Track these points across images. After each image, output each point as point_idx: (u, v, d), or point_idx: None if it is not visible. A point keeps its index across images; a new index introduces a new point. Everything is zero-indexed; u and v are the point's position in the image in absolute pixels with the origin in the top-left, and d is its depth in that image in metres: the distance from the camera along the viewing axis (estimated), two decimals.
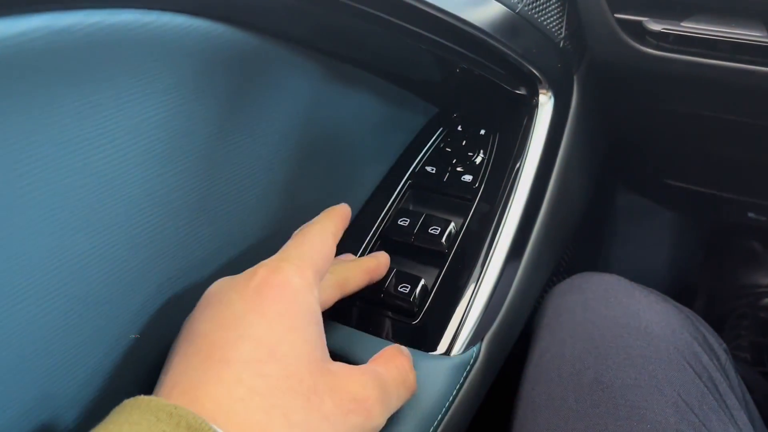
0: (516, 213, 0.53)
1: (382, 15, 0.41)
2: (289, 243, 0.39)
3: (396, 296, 0.48)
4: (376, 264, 0.47)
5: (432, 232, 0.51)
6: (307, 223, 0.42)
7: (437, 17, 0.42)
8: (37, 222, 0.30)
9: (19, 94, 0.27)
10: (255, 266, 0.36)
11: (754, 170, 0.73)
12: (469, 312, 0.49)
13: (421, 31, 0.44)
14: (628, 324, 0.49)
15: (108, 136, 0.32)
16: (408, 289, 0.48)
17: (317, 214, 0.50)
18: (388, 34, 0.44)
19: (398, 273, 0.49)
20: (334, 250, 0.41)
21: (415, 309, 0.48)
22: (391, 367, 0.39)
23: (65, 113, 0.30)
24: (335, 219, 0.43)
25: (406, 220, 0.53)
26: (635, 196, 0.96)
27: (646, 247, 1.01)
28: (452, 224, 0.52)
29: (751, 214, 0.82)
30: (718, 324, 1.02)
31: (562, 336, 0.51)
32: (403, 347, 0.43)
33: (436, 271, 0.50)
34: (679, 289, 1.04)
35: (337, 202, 0.51)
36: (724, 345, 0.55)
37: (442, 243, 0.51)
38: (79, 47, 0.29)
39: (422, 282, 0.49)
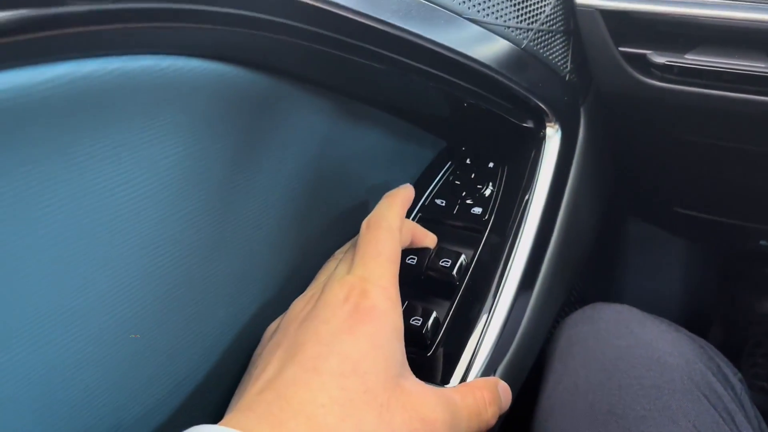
0: (526, 245, 0.54)
1: (391, 55, 0.42)
2: (365, 250, 0.42)
3: (409, 328, 0.49)
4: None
5: (443, 264, 0.52)
6: (374, 218, 0.44)
7: (445, 55, 0.43)
8: (63, 260, 0.31)
9: (43, 139, 0.28)
10: (340, 278, 0.40)
11: (764, 197, 0.73)
12: (481, 344, 0.49)
13: (429, 69, 0.45)
14: (642, 354, 0.49)
15: (124, 177, 0.33)
16: (420, 322, 0.49)
17: (329, 246, 0.51)
18: (398, 72, 0.45)
19: (410, 305, 0.50)
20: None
21: (428, 341, 0.49)
22: (468, 395, 0.41)
23: (84, 156, 0.31)
24: (399, 210, 0.45)
25: (417, 253, 0.53)
26: (646, 224, 0.96)
27: (659, 276, 1.01)
28: (463, 256, 0.52)
29: (763, 242, 0.81)
30: (733, 352, 1.01)
31: (575, 367, 0.51)
32: (498, 381, 0.44)
33: (448, 303, 0.51)
34: (694, 318, 1.03)
35: (348, 236, 0.52)
36: (740, 375, 0.54)
37: (453, 275, 0.51)
38: (100, 93, 0.30)
39: (434, 314, 0.49)
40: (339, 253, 0.49)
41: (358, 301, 0.38)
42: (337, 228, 0.53)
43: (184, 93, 0.35)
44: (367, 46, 0.40)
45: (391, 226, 0.43)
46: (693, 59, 0.55)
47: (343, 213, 0.53)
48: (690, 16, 0.53)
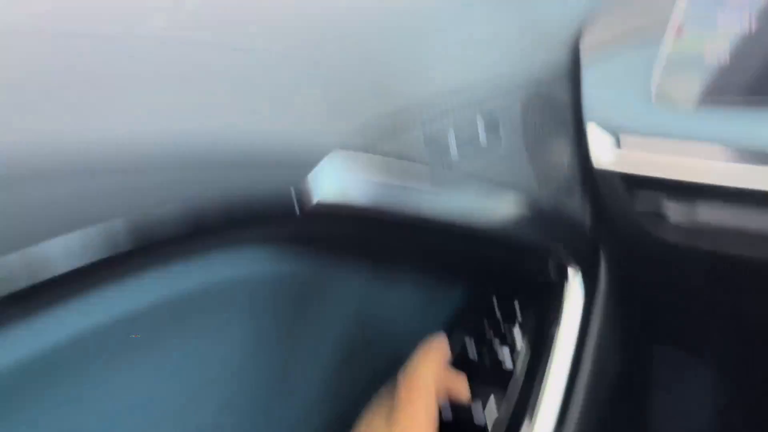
0: (554, 393, 0.56)
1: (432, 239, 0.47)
2: (403, 413, 0.43)
3: None
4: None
5: (473, 404, 0.55)
6: (412, 377, 0.46)
7: (476, 231, 0.49)
8: None
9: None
10: None
11: None
12: None
13: (460, 245, 0.50)
14: None
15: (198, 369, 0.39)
16: None
17: (369, 395, 0.54)
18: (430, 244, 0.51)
19: None
20: None
21: None
22: None
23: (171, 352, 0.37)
24: (435, 367, 0.47)
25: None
26: (676, 355, 0.97)
27: (691, 407, 1.00)
28: (492, 397, 0.55)
29: None
30: None
31: None
32: None
33: None
34: None
35: (377, 390, 0.55)
36: None
37: (482, 414, 0.54)
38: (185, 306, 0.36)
39: None
40: (376, 406, 0.52)
41: None
42: (371, 383, 0.56)
43: (243, 300, 0.41)
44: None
45: (428, 387, 0.45)
46: (704, 217, 0.59)
47: (377, 367, 0.56)
48: (698, 183, 0.56)
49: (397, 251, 0.53)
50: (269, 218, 0.39)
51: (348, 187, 0.39)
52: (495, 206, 0.50)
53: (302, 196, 0.37)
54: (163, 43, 0.33)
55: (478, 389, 0.56)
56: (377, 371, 0.55)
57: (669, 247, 0.61)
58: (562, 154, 0.60)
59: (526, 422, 0.54)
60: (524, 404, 0.55)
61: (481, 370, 0.59)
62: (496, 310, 0.63)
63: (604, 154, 0.60)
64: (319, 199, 0.38)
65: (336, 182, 0.39)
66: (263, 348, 0.44)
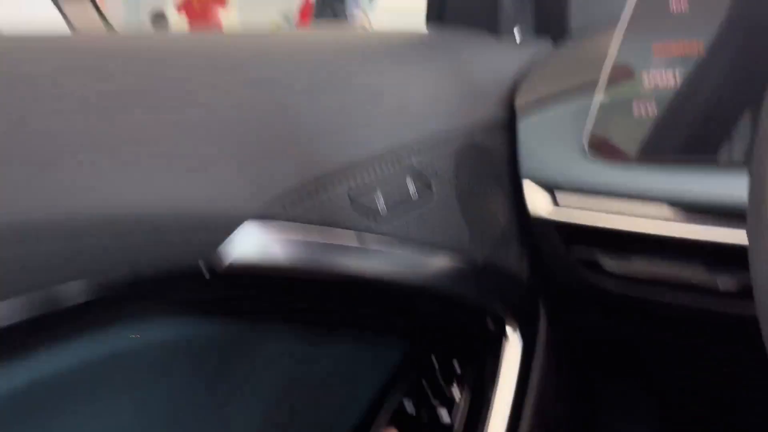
0: None
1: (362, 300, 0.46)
2: None
3: None
4: None
5: None
6: None
7: (408, 289, 0.47)
8: None
9: None
10: None
11: (725, 396, 0.75)
12: None
13: (392, 303, 0.49)
14: None
15: None
16: None
17: None
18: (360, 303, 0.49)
19: None
20: None
21: None
22: None
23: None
24: None
25: None
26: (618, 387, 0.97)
27: None
28: None
29: None
30: None
31: None
32: None
33: None
34: None
35: None
36: None
37: None
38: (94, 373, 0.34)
39: None
40: None
41: None
42: None
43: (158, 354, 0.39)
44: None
45: None
46: (639, 267, 0.59)
47: (316, 424, 0.55)
48: (634, 232, 0.57)
49: (327, 311, 0.52)
50: (180, 284, 0.37)
51: (264, 249, 0.38)
52: (426, 263, 0.49)
53: (214, 260, 0.36)
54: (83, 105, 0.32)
55: None
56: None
57: (605, 295, 0.61)
58: (497, 207, 0.60)
59: None
60: None
61: (419, 429, 0.57)
62: (435, 367, 0.62)
63: (539, 206, 0.60)
64: (231, 262, 0.36)
65: (251, 245, 0.37)
66: (181, 412, 0.42)
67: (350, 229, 0.43)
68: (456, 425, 0.56)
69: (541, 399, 0.63)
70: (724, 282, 0.55)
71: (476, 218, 0.55)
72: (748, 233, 0.35)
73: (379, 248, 0.44)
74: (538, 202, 0.60)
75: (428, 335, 0.63)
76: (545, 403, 0.64)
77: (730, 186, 0.51)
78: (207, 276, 0.35)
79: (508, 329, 0.61)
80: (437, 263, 0.50)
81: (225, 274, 0.36)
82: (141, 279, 0.34)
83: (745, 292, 0.55)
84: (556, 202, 0.60)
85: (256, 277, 0.38)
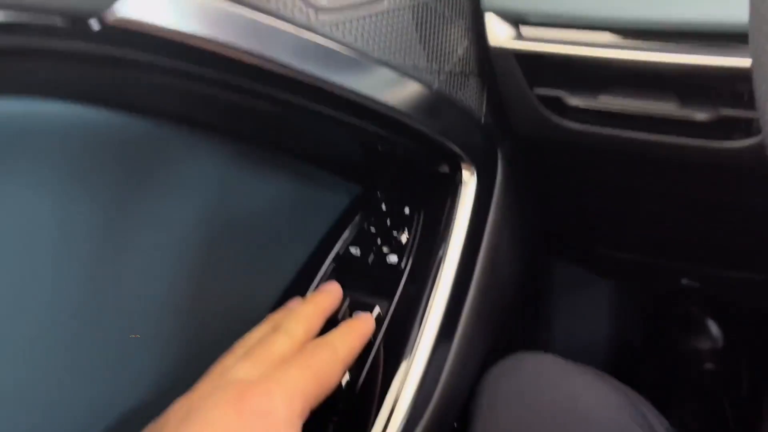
0: (443, 294, 0.51)
1: (289, 98, 0.39)
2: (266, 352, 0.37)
3: None
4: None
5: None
6: (301, 313, 0.42)
7: (349, 99, 0.41)
8: None
9: None
10: (240, 368, 0.36)
11: (683, 237, 0.73)
12: (397, 404, 0.45)
13: (333, 114, 0.42)
14: (566, 410, 0.46)
15: None
16: None
17: (237, 302, 0.47)
18: (300, 116, 0.42)
19: None
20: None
21: (340, 405, 0.45)
22: None
23: None
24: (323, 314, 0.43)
25: None
26: (572, 266, 0.96)
27: (587, 318, 1.00)
28: (378, 309, 0.49)
29: (684, 281, 0.82)
30: (663, 392, 1.01)
31: (498, 426, 0.48)
32: None
33: (361, 361, 0.47)
34: (622, 358, 1.03)
35: (257, 288, 0.48)
36: (666, 423, 0.53)
37: None
38: None
39: (347, 377, 0.45)
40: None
41: (255, 399, 0.33)
42: (242, 282, 0.49)
43: (43, 142, 0.31)
44: (262, 88, 0.37)
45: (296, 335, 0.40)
46: (606, 102, 0.54)
47: (249, 265, 0.49)
48: (601, 59, 0.52)
49: (269, 131, 0.45)
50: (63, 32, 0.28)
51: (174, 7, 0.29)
52: (372, 72, 0.42)
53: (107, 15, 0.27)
54: None
55: (363, 302, 0.50)
56: (243, 278, 0.47)
57: (570, 135, 0.56)
58: (455, 35, 0.53)
59: (415, 326, 0.48)
60: (412, 313, 0.49)
61: (367, 274, 0.52)
62: (384, 213, 0.56)
63: (501, 37, 0.54)
64: (125, 17, 0.27)
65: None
66: (65, 227, 0.34)
67: (284, 20, 0.35)
68: (407, 273, 0.52)
69: (494, 249, 0.59)
70: (701, 113, 0.51)
71: (432, 39, 0.48)
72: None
73: (317, 44, 0.37)
74: (499, 32, 0.54)
75: (379, 176, 0.57)
76: (498, 255, 0.60)
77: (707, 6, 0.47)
78: (96, 28, 0.26)
79: (464, 173, 0.55)
80: (384, 76, 0.43)
81: (119, 31, 0.27)
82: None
83: (721, 125, 0.51)
84: (519, 35, 0.55)
85: (163, 47, 0.30)
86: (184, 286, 0.43)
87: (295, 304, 0.45)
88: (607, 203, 0.72)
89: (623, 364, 1.02)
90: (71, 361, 0.36)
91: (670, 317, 1.04)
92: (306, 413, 0.35)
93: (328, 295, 0.46)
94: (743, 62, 0.48)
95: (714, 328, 1.01)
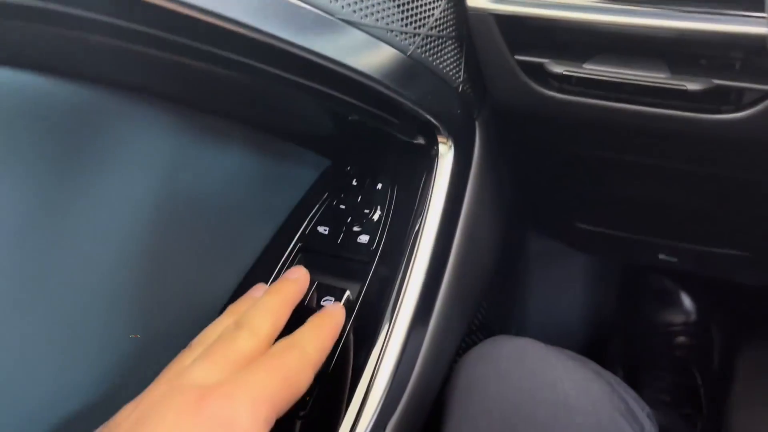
0: (419, 274, 0.48)
1: (249, 62, 0.35)
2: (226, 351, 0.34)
3: None
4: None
5: (325, 303, 0.45)
6: (266, 305, 0.38)
7: (316, 63, 0.36)
8: None
9: None
10: (199, 369, 0.32)
11: (663, 212, 0.71)
12: (368, 397, 0.42)
13: (298, 80, 0.38)
14: (546, 398, 0.44)
15: None
16: None
17: (193, 288, 0.43)
18: (261, 82, 0.38)
19: None
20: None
21: (307, 398, 0.41)
22: None
23: None
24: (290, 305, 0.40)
25: None
26: (547, 240, 0.94)
27: (562, 292, 0.99)
28: (348, 293, 0.46)
29: (662, 256, 0.80)
30: (636, 364, 1.00)
31: (475, 414, 0.45)
32: None
33: (331, 351, 0.44)
34: (595, 331, 1.02)
35: (216, 273, 0.44)
36: (648, 409, 0.51)
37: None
38: None
39: None
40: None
41: (216, 404, 0.30)
42: (202, 264, 0.45)
43: None
44: (216, 50, 0.33)
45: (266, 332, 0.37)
46: (592, 69, 0.51)
47: (208, 245, 0.45)
48: (588, 22, 0.49)
49: (227, 99, 0.40)
50: None
51: None
52: (347, 40, 0.38)
53: None
54: None
55: (332, 286, 0.46)
56: (201, 257, 0.43)
57: (551, 104, 0.53)
58: (433, 2, 0.49)
59: (388, 310, 0.45)
60: (385, 297, 0.46)
61: (336, 255, 0.49)
62: (355, 189, 0.52)
63: None
64: None
65: None
66: (12, 185, 0.31)
67: None
68: (377, 248, 0.48)
69: (472, 227, 0.55)
70: (693, 83, 0.48)
71: (409, 8, 0.44)
72: None
73: (273, 1, 0.33)
74: None
75: (349, 152, 0.53)
76: (475, 232, 0.57)
77: None
78: None
79: (441, 146, 0.52)
80: (354, 38, 0.39)
81: None
82: None
83: (712, 96, 0.48)
84: None
85: (104, 3, 0.26)
86: (133, 272, 0.39)
87: (258, 293, 0.41)
88: (587, 177, 0.69)
89: (596, 338, 1.01)
90: (1, 360, 0.32)
91: (643, 290, 1.03)
92: (272, 421, 0.32)
93: (295, 283, 0.42)
94: (737, 28, 0.45)
95: (687, 301, 1.00)
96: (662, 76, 0.49)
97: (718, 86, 0.47)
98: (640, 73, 0.49)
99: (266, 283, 0.47)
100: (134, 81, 0.35)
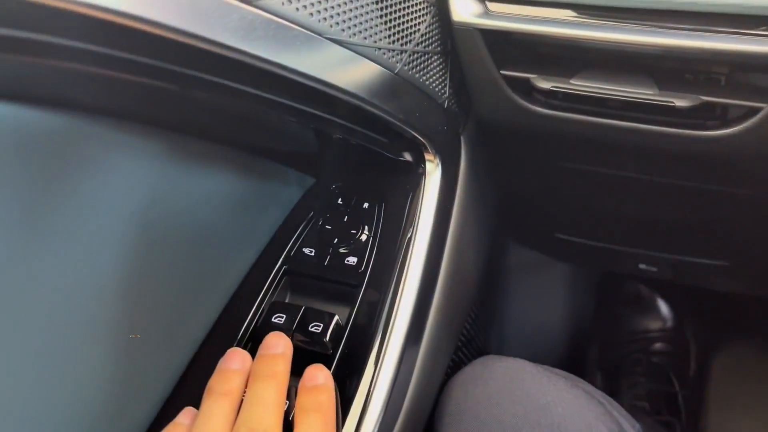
0: (409, 297, 0.47)
1: (233, 85, 0.33)
2: None
3: None
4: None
5: (313, 329, 0.43)
6: (267, 401, 0.36)
7: (303, 84, 0.35)
8: None
9: None
10: None
11: (644, 224, 0.71)
12: (362, 422, 0.41)
13: (284, 101, 0.37)
14: (540, 422, 0.43)
15: None
16: (288, 405, 0.40)
17: (176, 315, 0.41)
18: (246, 103, 0.36)
19: None
20: None
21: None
22: None
23: None
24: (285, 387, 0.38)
25: (282, 316, 0.44)
26: (527, 250, 0.93)
27: (541, 300, 0.99)
28: (336, 318, 0.44)
29: (642, 266, 0.80)
30: (614, 371, 1.00)
31: None
32: None
33: None
34: (574, 338, 1.02)
35: (199, 298, 0.42)
36: (637, 426, 0.51)
37: (325, 343, 0.43)
38: None
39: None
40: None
41: None
42: (184, 290, 0.43)
43: None
44: (197, 74, 0.31)
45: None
46: (579, 84, 0.50)
47: (191, 270, 0.43)
48: (574, 37, 0.48)
49: (209, 122, 0.39)
50: None
51: None
52: (333, 59, 0.37)
53: None
54: None
55: (320, 311, 0.45)
56: (183, 280, 0.42)
57: (537, 120, 0.52)
58: (419, 15, 0.48)
59: (378, 335, 0.44)
60: (375, 321, 0.45)
61: (323, 278, 0.47)
62: (341, 209, 0.51)
63: (466, 12, 0.50)
64: None
65: None
66: None
67: None
68: (365, 270, 0.47)
69: (460, 244, 0.55)
70: (681, 99, 0.48)
71: (394, 14, 0.43)
72: None
73: (263, 20, 0.31)
74: (464, 7, 0.50)
75: (335, 169, 0.52)
76: (463, 248, 0.56)
77: None
78: None
79: (428, 163, 0.51)
80: (340, 57, 0.38)
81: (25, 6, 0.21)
82: None
83: (699, 112, 0.48)
84: (486, 11, 0.50)
85: (78, 27, 0.24)
86: (113, 301, 0.37)
87: (186, 419, 0.37)
88: (569, 189, 0.69)
89: (576, 345, 1.02)
90: None
91: (620, 297, 1.03)
92: None
93: (283, 359, 0.39)
94: (721, 45, 0.45)
95: (663, 307, 1.01)
96: (650, 92, 0.48)
97: (705, 103, 0.47)
98: (627, 89, 0.49)
99: (251, 307, 0.46)
100: (112, 106, 0.33)
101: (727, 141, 0.49)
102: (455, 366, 0.59)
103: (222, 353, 0.43)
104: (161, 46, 0.28)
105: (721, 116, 0.49)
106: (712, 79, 0.50)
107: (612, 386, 0.99)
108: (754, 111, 0.46)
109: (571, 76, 0.51)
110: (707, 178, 0.58)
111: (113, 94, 0.32)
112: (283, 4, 0.33)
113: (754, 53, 0.43)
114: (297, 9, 0.34)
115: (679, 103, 0.47)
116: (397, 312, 0.45)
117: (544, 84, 0.51)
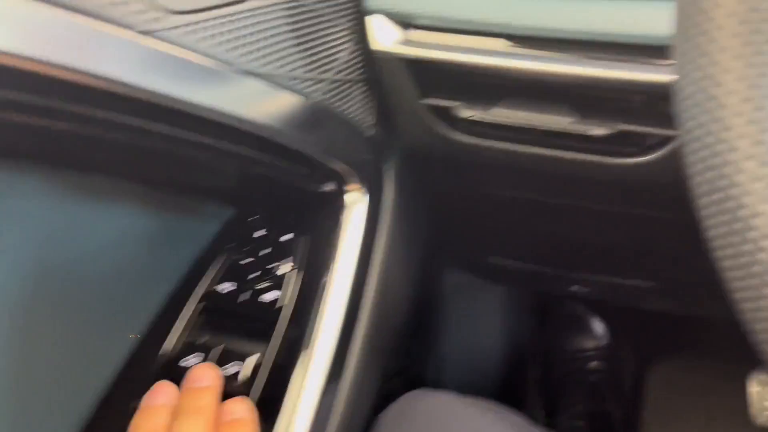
0: (331, 331, 0.45)
1: (132, 123, 0.31)
2: None
3: None
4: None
5: (231, 368, 0.41)
6: None
7: (213, 120, 0.34)
8: None
9: None
10: None
11: (574, 247, 0.72)
12: None
13: (194, 138, 0.35)
14: None
15: None
16: None
17: (73, 370, 0.39)
18: (151, 140, 0.35)
19: None
20: None
21: None
22: None
23: None
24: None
25: (199, 356, 0.42)
26: (463, 274, 0.93)
27: (479, 323, 0.98)
28: (256, 357, 0.42)
29: (575, 287, 0.81)
30: (553, 390, 1.01)
31: None
32: None
33: None
34: (512, 359, 1.02)
35: (102, 349, 0.40)
36: None
37: (239, 386, 0.41)
38: None
39: None
40: None
41: None
42: (88, 335, 0.40)
43: None
44: (91, 112, 0.29)
45: None
46: (499, 113, 0.50)
47: (96, 314, 0.41)
48: (494, 67, 0.48)
49: (100, 147, 0.36)
50: None
51: None
52: (243, 91, 0.35)
53: None
54: None
55: (236, 351, 0.43)
56: (86, 325, 0.39)
57: (461, 147, 0.52)
58: (338, 43, 0.47)
59: (297, 374, 0.42)
60: (294, 359, 0.43)
61: (242, 315, 0.45)
62: (260, 241, 0.49)
63: (387, 40, 0.49)
64: None
65: None
66: None
67: (120, 25, 0.28)
68: (285, 305, 0.45)
69: (386, 273, 0.54)
70: (597, 128, 0.48)
71: (310, 42, 0.42)
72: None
73: (164, 53, 0.30)
74: (384, 35, 0.49)
75: (254, 200, 0.50)
76: (390, 277, 0.55)
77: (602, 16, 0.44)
78: None
79: (351, 193, 0.50)
80: (251, 89, 0.36)
81: None
82: None
83: (617, 140, 0.49)
84: (407, 39, 0.50)
85: None
86: (6, 353, 0.34)
87: (182, 423, 0.35)
88: (499, 215, 0.69)
89: (515, 366, 1.02)
90: None
91: (556, 317, 1.04)
92: None
93: (210, 393, 0.37)
94: (638, 75, 0.45)
95: (597, 326, 1.03)
96: (567, 120, 0.49)
97: (622, 131, 0.48)
98: (545, 117, 0.49)
99: (161, 347, 0.43)
100: (3, 147, 0.31)
101: (645, 168, 0.49)
102: (387, 398, 0.58)
103: (133, 396, 0.41)
104: (48, 85, 0.26)
105: (639, 144, 0.50)
106: (631, 108, 0.51)
107: (552, 406, 1.00)
108: (669, 139, 0.47)
109: (495, 104, 0.51)
110: (631, 204, 0.58)
111: (3, 136, 0.30)
112: (185, 34, 0.32)
113: (663, 83, 0.44)
114: (203, 38, 0.33)
115: (595, 131, 0.48)
116: (316, 348, 0.44)
117: (466, 113, 0.51)
